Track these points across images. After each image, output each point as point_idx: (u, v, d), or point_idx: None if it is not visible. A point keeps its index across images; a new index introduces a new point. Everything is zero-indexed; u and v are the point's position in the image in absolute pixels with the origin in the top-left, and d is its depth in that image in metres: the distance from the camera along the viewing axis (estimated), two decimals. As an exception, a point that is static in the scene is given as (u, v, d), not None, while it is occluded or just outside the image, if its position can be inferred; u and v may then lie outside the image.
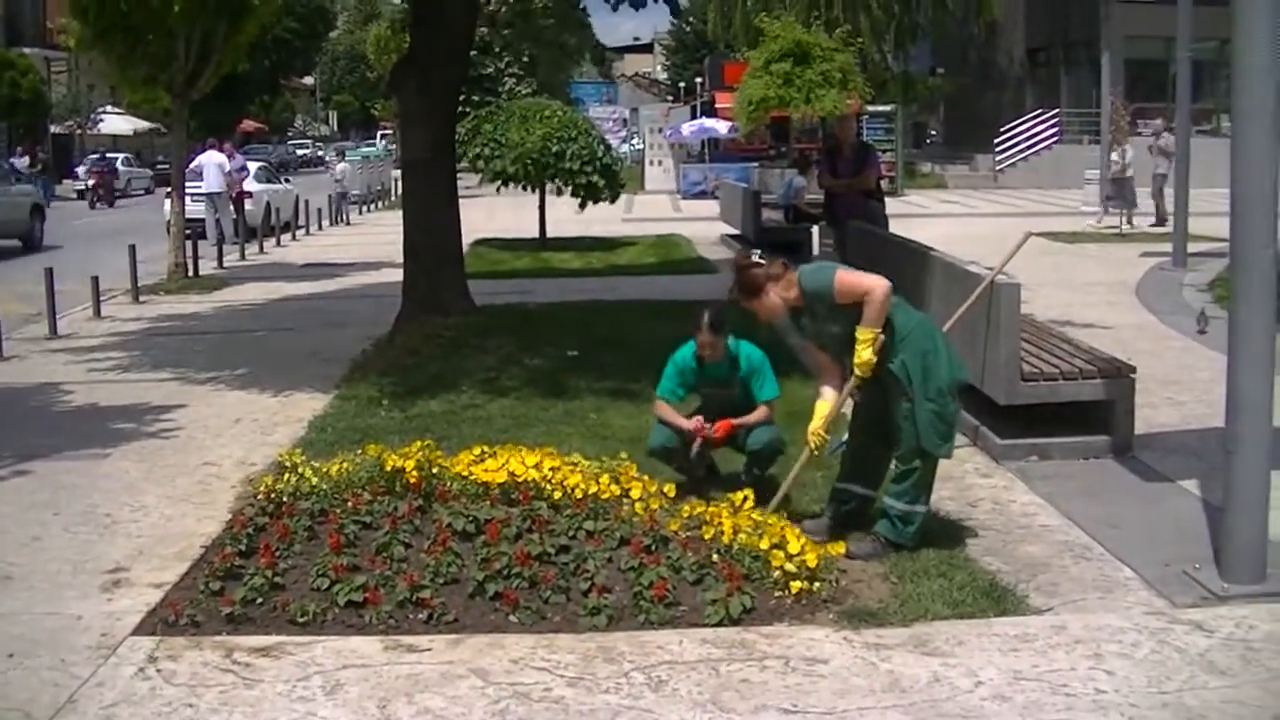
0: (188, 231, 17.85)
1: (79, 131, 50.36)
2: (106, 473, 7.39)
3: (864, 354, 5.50)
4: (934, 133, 55.11)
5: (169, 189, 18.80)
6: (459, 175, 12.99)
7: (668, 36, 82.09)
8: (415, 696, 4.36)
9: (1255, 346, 5.21)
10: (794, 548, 5.19)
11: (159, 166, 42.95)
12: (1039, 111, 38.17)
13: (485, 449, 6.21)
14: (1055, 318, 11.04)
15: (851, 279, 5.57)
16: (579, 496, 5.68)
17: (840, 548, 5.45)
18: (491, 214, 26.56)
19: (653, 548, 5.32)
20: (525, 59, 49.01)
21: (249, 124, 65.50)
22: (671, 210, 31.56)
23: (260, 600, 5.08)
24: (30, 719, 4.25)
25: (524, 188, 21.28)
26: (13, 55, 44.56)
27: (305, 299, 15.67)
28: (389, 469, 5.93)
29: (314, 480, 5.99)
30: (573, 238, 21.67)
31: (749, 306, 5.83)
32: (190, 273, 17.63)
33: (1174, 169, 16.82)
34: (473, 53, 16.52)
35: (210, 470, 7.41)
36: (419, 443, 6.17)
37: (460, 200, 12.39)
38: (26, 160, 36.60)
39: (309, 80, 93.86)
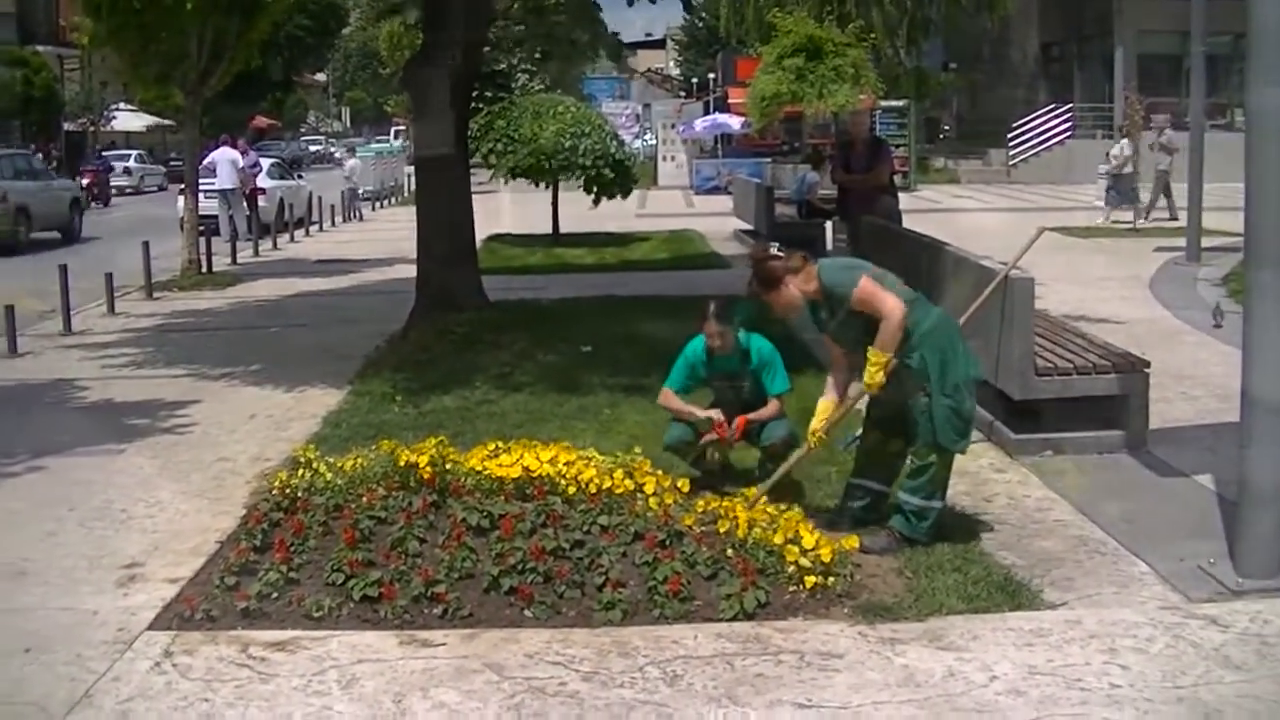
0: (201, 228, 17.90)
1: (92, 129, 50.50)
2: (121, 468, 7.42)
3: (876, 377, 5.49)
4: (947, 128, 54.82)
5: (182, 185, 18.87)
6: (472, 171, 12.98)
7: (680, 32, 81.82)
8: (430, 691, 4.37)
9: (1270, 341, 5.19)
10: (808, 542, 5.19)
11: (172, 163, 43.06)
12: (1052, 106, 37.92)
13: (499, 444, 6.22)
14: (1069, 313, 11.00)
15: (874, 293, 5.50)
16: (593, 491, 5.68)
17: (855, 542, 5.45)
18: (504, 210, 26.57)
19: (667, 542, 5.32)
20: (538, 55, 48.99)
21: (262, 120, 65.50)
22: (684, 206, 31.54)
23: (275, 595, 5.10)
24: (46, 713, 4.28)
25: (536, 184, 21.27)
26: (26, 53, 44.77)
27: (319, 295, 15.70)
28: (403, 464, 5.94)
29: (328, 476, 6.01)
30: (586, 233, 21.65)
31: (767, 299, 5.77)
32: (204, 269, 17.70)
33: (1186, 164, 16.73)
34: (485, 49, 16.49)
35: (225, 466, 7.44)
36: (433, 438, 6.19)
37: (473, 196, 12.40)
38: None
39: (321, 77, 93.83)
